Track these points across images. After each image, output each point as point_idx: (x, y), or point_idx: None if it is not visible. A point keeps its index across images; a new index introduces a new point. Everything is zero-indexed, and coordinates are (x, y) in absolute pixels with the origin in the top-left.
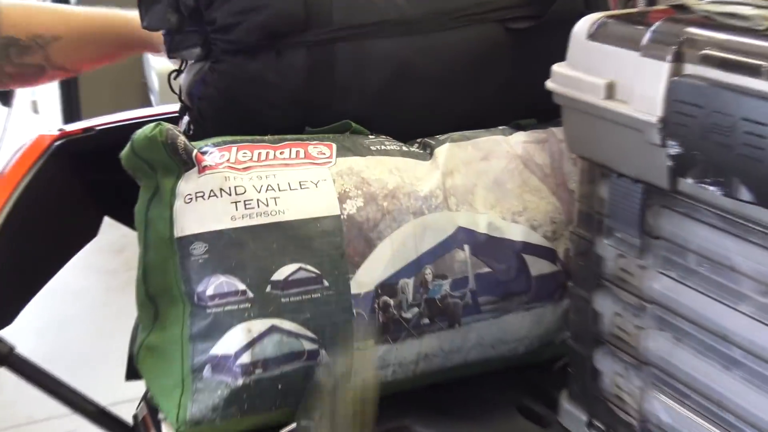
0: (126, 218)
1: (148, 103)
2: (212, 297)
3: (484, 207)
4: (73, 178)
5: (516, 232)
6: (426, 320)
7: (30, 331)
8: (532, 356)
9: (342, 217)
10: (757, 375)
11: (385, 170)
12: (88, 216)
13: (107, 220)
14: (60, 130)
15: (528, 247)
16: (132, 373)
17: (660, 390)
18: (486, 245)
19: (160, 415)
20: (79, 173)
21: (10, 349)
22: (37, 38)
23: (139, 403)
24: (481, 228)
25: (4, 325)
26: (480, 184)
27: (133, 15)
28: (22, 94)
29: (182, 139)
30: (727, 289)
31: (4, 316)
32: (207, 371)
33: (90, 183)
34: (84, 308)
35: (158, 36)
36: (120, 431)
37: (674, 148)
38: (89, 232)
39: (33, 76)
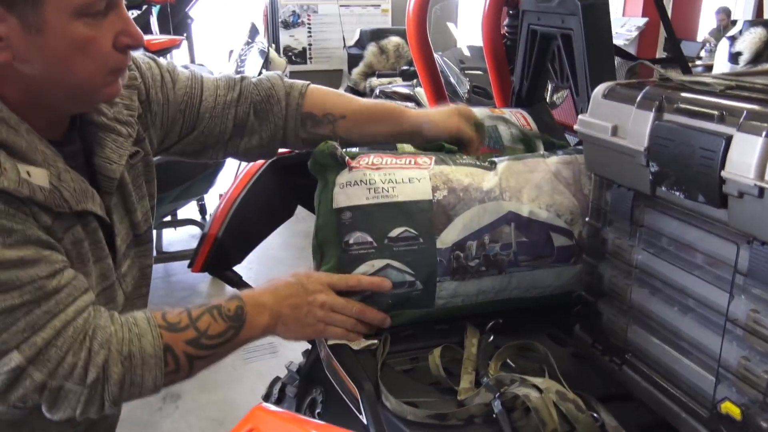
0: (309, 205)
1: None
2: (353, 244)
3: (527, 200)
4: (281, 179)
5: (547, 217)
6: (483, 268)
7: (250, 282)
8: (554, 299)
9: (433, 200)
10: (703, 317)
11: (463, 174)
12: (288, 202)
13: (300, 217)
14: None
15: (554, 228)
16: None
17: (639, 325)
18: (526, 223)
19: None
20: (284, 176)
21: (240, 277)
22: (329, 115)
23: None
24: (524, 213)
25: (237, 263)
26: (526, 186)
27: (407, 108)
28: None
29: (340, 150)
30: (685, 260)
31: (237, 257)
32: None
33: (289, 182)
34: (283, 269)
35: (426, 127)
36: None
37: (654, 168)
38: (288, 212)
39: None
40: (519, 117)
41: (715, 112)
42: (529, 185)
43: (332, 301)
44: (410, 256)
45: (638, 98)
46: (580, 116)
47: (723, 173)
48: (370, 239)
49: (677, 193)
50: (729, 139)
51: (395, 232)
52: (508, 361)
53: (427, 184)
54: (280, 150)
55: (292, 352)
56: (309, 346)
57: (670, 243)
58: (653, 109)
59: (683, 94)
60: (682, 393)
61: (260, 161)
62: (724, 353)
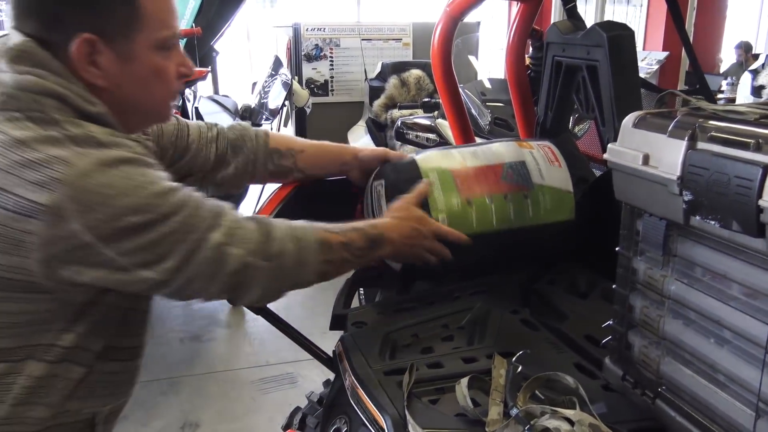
0: None
1: None
2: None
3: None
4: (305, 207)
5: None
6: None
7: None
8: None
9: None
10: (740, 349)
11: None
12: None
13: None
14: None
15: None
16: (334, 326)
17: (672, 357)
18: None
19: None
20: (308, 205)
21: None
22: (291, 149)
23: (336, 344)
24: None
25: None
26: None
27: (344, 144)
28: None
29: None
30: (721, 291)
31: None
32: None
33: (314, 211)
34: (299, 299)
35: (362, 154)
36: (325, 360)
37: (688, 196)
38: None
39: (284, 175)
40: (545, 148)
41: (752, 141)
42: None
43: (438, 249)
44: None
45: (670, 127)
46: (609, 145)
47: (761, 202)
48: None
49: (712, 222)
50: (766, 167)
51: None
52: (537, 392)
53: None
54: None
55: (311, 383)
56: (331, 376)
57: (704, 273)
58: (686, 138)
59: (717, 123)
60: (719, 428)
61: (287, 188)
62: (763, 387)
